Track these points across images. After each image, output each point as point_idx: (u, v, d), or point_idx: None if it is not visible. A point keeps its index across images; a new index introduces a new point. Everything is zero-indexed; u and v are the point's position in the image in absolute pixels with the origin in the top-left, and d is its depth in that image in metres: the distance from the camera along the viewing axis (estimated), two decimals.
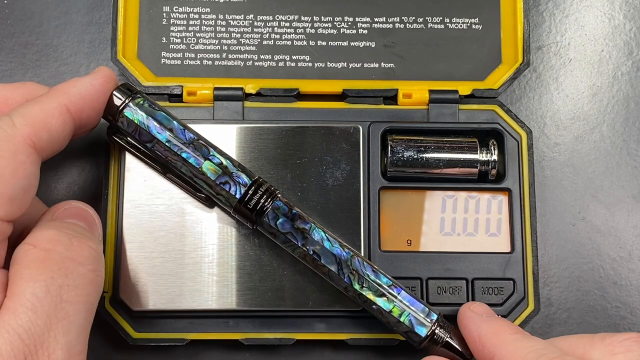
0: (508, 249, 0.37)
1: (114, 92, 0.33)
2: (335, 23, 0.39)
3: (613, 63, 0.41)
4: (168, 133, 0.33)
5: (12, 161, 0.29)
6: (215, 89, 0.37)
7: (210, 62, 0.38)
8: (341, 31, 0.39)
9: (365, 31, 0.39)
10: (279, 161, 0.36)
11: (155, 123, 0.33)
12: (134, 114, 0.33)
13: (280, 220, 0.33)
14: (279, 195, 0.34)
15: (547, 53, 0.41)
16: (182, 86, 0.38)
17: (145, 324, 0.35)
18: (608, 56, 0.41)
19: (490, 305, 0.36)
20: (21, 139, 0.29)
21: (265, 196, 0.33)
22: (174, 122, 0.34)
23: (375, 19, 0.39)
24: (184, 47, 0.38)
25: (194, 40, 0.38)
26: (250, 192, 0.33)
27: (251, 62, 0.38)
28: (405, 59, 0.39)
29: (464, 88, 0.38)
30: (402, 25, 0.39)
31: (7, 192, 0.28)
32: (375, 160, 0.37)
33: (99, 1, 0.40)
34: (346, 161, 0.36)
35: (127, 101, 0.33)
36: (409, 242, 0.37)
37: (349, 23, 0.39)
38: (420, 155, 0.37)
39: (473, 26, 0.39)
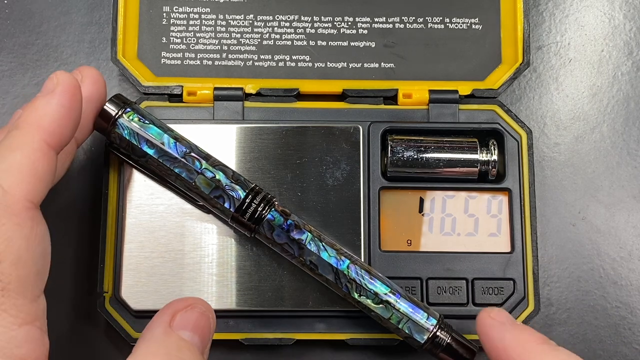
0: (508, 249, 0.37)
1: (105, 107, 0.33)
2: (335, 23, 0.39)
3: (613, 63, 0.41)
4: (160, 148, 0.33)
5: (21, 236, 0.26)
6: (215, 89, 0.37)
7: (210, 62, 0.38)
8: (341, 31, 0.39)
9: (365, 31, 0.39)
10: (279, 161, 0.36)
11: (147, 138, 0.33)
12: (125, 129, 0.33)
13: (275, 231, 0.33)
14: (276, 203, 0.34)
15: (547, 53, 0.41)
16: (182, 86, 0.38)
17: (145, 324, 0.35)
18: (608, 56, 0.41)
19: (490, 305, 0.36)
20: (19, 205, 0.26)
21: (260, 207, 0.33)
22: (166, 135, 0.33)
23: (375, 19, 0.39)
24: (184, 47, 0.38)
25: (194, 40, 0.38)
26: (245, 205, 0.33)
27: (251, 62, 0.38)
28: (405, 59, 0.39)
29: (464, 88, 0.38)
30: (402, 25, 0.39)
31: (30, 270, 0.26)
32: (375, 160, 0.37)
33: (99, 1, 0.40)
34: (346, 161, 0.36)
35: (116, 117, 0.33)
36: (409, 242, 0.37)
37: (349, 23, 0.39)
38: (420, 155, 0.37)
39: (473, 26, 0.39)
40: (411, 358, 0.37)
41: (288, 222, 0.33)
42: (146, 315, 0.35)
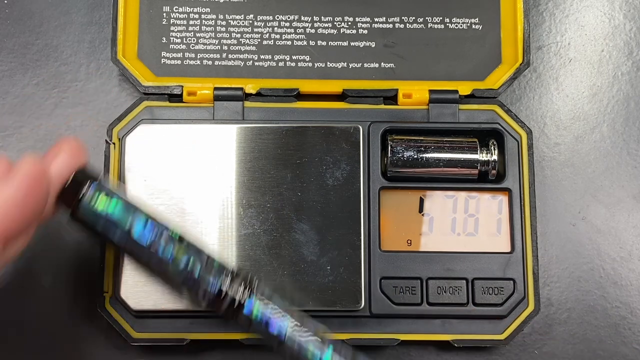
0: (508, 249, 0.37)
1: (66, 185, 0.30)
2: (335, 23, 0.39)
3: (613, 63, 0.41)
4: (127, 231, 0.30)
5: None
6: (215, 89, 0.37)
7: (210, 62, 0.38)
8: (341, 31, 0.39)
9: (365, 31, 0.39)
10: (279, 161, 0.36)
11: (113, 219, 0.30)
12: (88, 211, 0.30)
13: (252, 325, 0.31)
14: (255, 287, 0.31)
15: (547, 53, 0.41)
16: (182, 86, 0.38)
17: (145, 324, 0.35)
18: (608, 56, 0.41)
19: (490, 305, 0.36)
20: None
21: (237, 296, 0.30)
22: (135, 215, 0.30)
23: (375, 19, 0.39)
24: (184, 47, 0.38)
25: (194, 40, 0.38)
26: (222, 295, 0.30)
27: (251, 62, 0.38)
28: (405, 59, 0.39)
29: (464, 88, 0.38)
30: (402, 25, 0.39)
31: None
32: (375, 160, 0.37)
33: (99, 1, 0.40)
34: (346, 161, 0.36)
35: (79, 197, 0.30)
36: (409, 242, 0.37)
37: (349, 23, 0.39)
38: (420, 155, 0.37)
39: (473, 26, 0.39)
40: (411, 358, 0.37)
41: (266, 314, 0.31)
42: (146, 315, 0.35)
